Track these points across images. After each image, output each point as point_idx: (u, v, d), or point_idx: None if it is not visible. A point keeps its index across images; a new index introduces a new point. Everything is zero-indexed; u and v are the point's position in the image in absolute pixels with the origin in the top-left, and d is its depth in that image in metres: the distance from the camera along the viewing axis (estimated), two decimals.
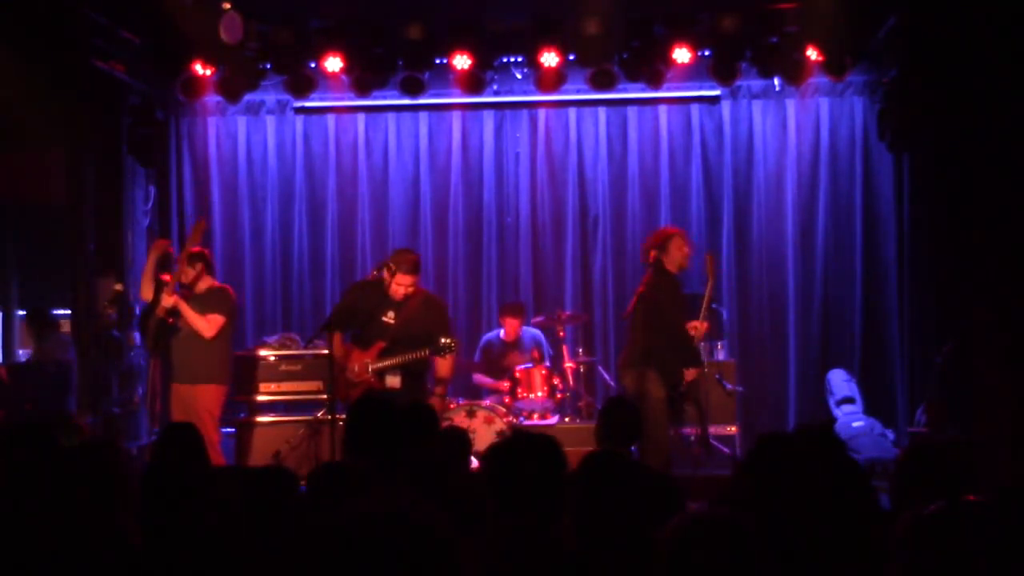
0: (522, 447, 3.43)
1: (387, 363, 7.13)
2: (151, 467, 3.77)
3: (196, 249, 7.96)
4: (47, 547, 3.24)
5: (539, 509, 3.24)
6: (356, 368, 7.22)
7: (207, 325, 7.40)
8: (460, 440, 4.87)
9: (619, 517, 3.24)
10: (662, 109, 9.88)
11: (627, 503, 3.30)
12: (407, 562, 1.91)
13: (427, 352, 7.04)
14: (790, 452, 3.58)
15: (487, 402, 8.47)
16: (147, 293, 7.51)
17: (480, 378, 9.16)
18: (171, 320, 7.42)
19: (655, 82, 9.03)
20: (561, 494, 3.27)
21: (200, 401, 7.38)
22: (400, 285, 7.16)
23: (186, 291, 7.53)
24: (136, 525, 3.61)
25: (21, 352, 9.36)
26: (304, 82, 9.14)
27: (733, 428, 8.73)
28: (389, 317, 7.21)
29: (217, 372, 7.50)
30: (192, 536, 3.36)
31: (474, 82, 9.16)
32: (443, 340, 6.98)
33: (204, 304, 7.46)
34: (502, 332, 9.16)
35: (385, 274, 7.20)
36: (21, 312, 9.44)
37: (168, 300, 7.35)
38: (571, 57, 8.91)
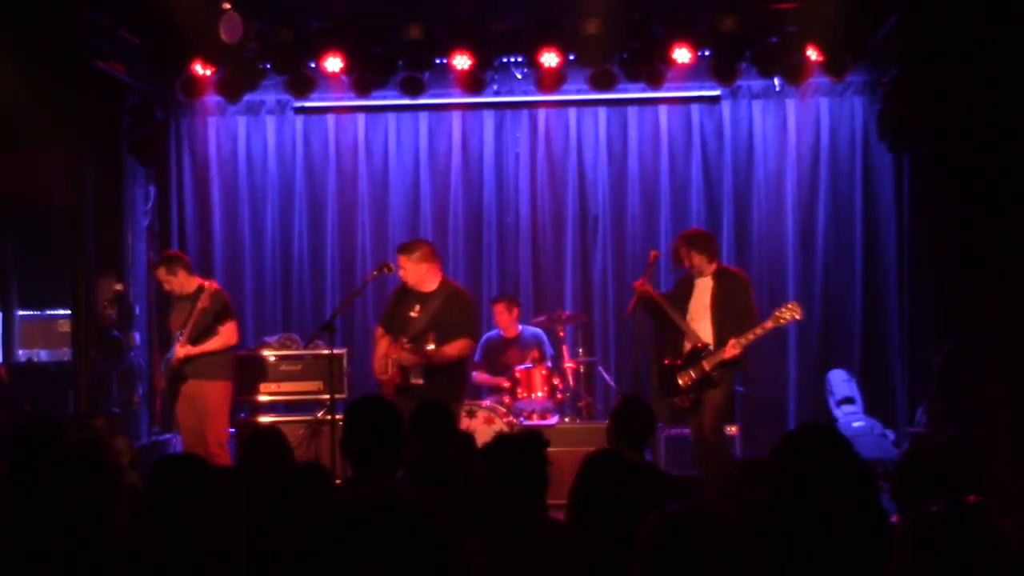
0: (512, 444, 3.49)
1: (405, 358, 7.00)
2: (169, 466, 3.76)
3: (170, 253, 8.01)
4: (46, 543, 3.25)
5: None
6: (387, 364, 7.09)
7: (226, 337, 7.47)
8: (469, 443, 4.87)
9: (617, 516, 3.25)
10: (662, 109, 9.88)
11: (625, 502, 3.30)
12: (398, 545, 1.91)
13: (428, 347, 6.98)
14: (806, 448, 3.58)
15: (487, 402, 8.48)
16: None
17: (480, 376, 9.15)
18: (184, 370, 7.46)
19: (655, 82, 9.03)
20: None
21: (208, 398, 7.38)
22: (399, 269, 7.13)
23: (183, 303, 7.56)
24: (131, 525, 3.61)
25: (21, 352, 9.35)
26: (304, 82, 9.13)
27: (733, 428, 8.71)
28: (415, 311, 7.11)
29: (223, 369, 7.52)
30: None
31: (474, 82, 9.16)
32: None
33: (205, 310, 7.43)
34: (498, 328, 9.16)
35: (385, 271, 7.24)
36: (21, 312, 9.42)
37: (181, 352, 7.41)
38: (571, 57, 8.91)
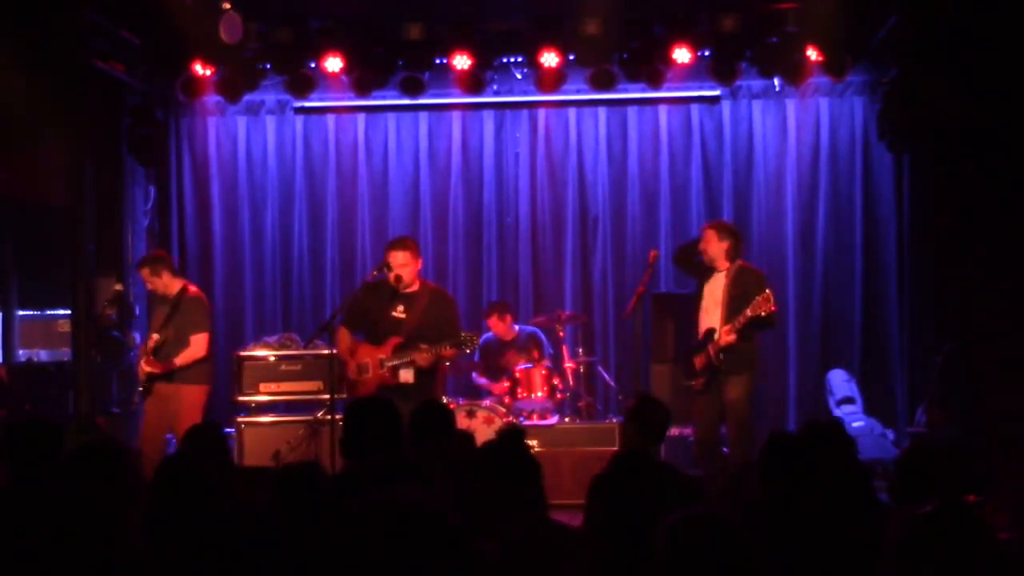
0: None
1: (404, 359, 6.92)
2: (172, 466, 3.75)
3: (156, 253, 7.96)
4: (53, 548, 3.24)
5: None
6: (368, 364, 7.01)
7: (194, 350, 7.35)
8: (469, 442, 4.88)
9: (643, 514, 3.25)
10: (662, 109, 9.88)
11: (651, 501, 3.30)
12: (417, 548, 1.91)
13: (448, 346, 6.87)
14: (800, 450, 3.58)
15: (487, 402, 8.47)
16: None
17: (479, 379, 9.16)
18: (152, 383, 7.40)
19: (655, 82, 9.03)
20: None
21: (184, 402, 7.27)
22: (396, 266, 6.95)
23: (161, 305, 7.53)
24: (143, 527, 3.61)
25: (21, 352, 9.36)
26: (304, 82, 9.14)
27: None
28: (399, 311, 7.01)
29: (200, 375, 7.42)
30: (212, 535, 3.36)
31: (474, 82, 9.16)
32: (464, 334, 6.91)
33: (182, 315, 7.39)
34: (495, 333, 9.15)
35: (385, 271, 7.12)
36: (21, 312, 9.43)
37: (146, 369, 7.36)
38: (571, 57, 8.91)
